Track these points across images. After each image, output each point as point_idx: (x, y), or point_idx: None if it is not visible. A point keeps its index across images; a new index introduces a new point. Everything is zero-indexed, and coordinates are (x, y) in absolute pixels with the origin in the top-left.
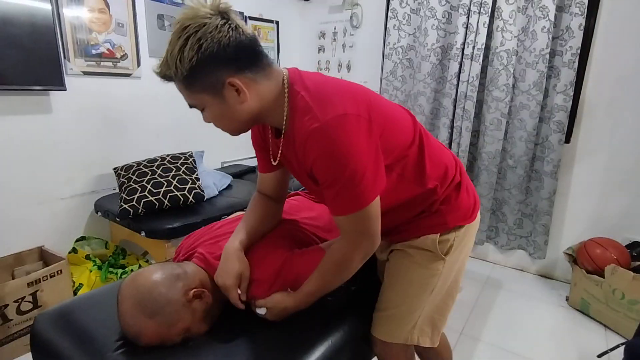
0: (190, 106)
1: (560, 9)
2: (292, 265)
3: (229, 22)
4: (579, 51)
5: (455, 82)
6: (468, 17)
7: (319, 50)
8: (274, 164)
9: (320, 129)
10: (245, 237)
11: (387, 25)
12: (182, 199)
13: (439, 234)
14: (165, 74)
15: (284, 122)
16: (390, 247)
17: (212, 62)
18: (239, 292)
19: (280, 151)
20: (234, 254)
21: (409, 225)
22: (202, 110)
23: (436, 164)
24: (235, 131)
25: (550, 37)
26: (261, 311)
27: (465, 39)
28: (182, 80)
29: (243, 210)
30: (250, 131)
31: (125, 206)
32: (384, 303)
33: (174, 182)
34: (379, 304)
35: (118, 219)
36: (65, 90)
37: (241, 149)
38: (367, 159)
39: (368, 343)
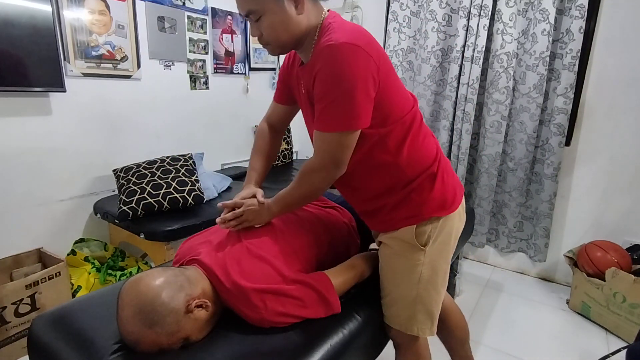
0: (246, 15)
1: (560, 11)
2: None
3: None
4: (579, 54)
5: (455, 84)
6: (468, 20)
7: None
8: (303, 91)
9: (333, 47)
10: (257, 176)
11: (387, 28)
12: (181, 201)
13: (415, 226)
14: None
15: (312, 49)
16: (379, 238)
17: None
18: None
19: (302, 82)
20: (246, 187)
21: (386, 216)
22: (257, 20)
23: (417, 148)
24: (281, 46)
25: (551, 39)
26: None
27: (465, 42)
28: None
29: None
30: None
31: (125, 208)
32: (381, 290)
33: (174, 184)
34: (380, 291)
35: (117, 221)
36: (65, 91)
37: (241, 150)
38: (363, 87)
39: (383, 329)
